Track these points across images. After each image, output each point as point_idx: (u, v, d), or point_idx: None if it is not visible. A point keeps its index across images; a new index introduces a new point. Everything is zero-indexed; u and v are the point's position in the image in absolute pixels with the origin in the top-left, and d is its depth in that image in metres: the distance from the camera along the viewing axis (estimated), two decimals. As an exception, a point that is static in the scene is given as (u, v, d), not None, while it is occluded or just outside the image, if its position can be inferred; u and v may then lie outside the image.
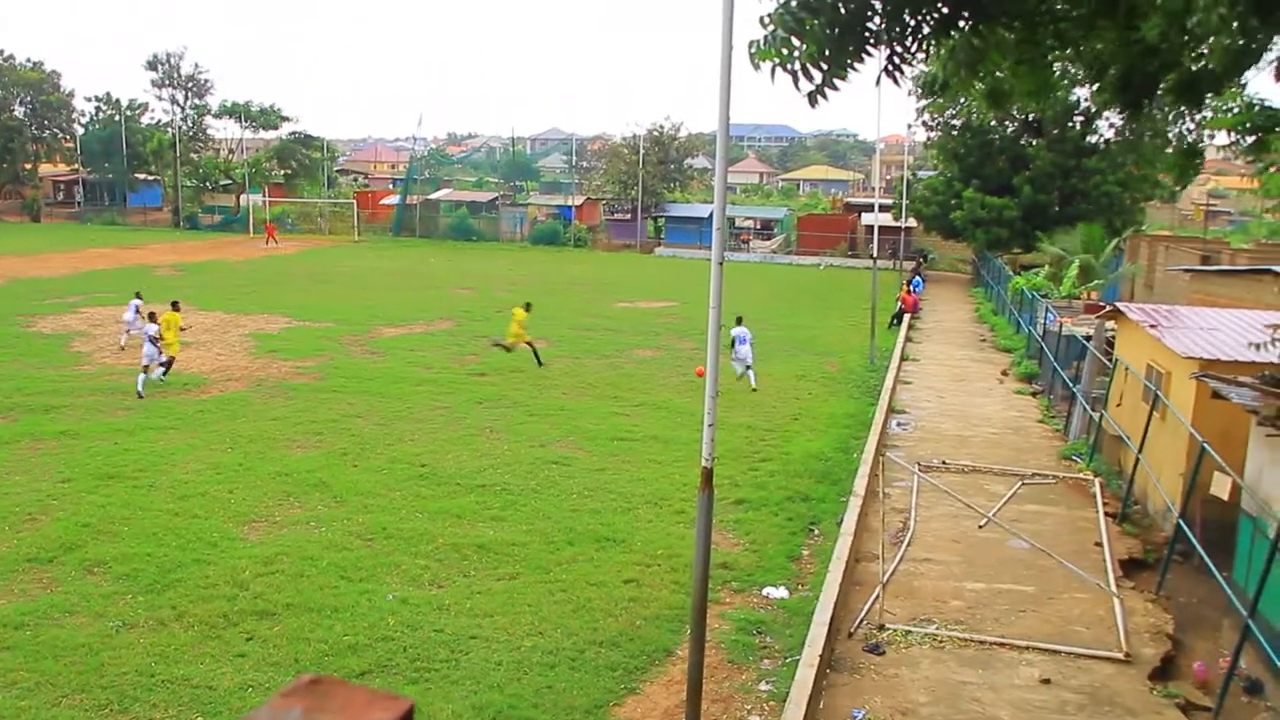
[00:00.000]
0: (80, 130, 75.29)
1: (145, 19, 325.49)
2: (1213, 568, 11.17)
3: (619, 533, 13.48)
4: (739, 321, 22.66)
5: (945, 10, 5.77)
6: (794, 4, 5.53)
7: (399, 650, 10.05)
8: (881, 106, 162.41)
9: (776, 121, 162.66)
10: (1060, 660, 10.57)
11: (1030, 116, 47.00)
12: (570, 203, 68.70)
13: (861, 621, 11.28)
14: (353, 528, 13.33)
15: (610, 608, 11.22)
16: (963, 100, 39.17)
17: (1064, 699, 9.80)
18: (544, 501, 14.68)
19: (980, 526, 14.47)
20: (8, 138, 71.13)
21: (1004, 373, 27.28)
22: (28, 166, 75.05)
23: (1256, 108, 7.52)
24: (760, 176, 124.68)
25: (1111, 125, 46.27)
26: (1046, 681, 10.10)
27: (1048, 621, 11.55)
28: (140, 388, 20.16)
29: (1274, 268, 23.67)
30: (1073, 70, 7.14)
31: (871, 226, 41.00)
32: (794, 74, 5.66)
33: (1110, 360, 19.16)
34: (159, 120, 75.03)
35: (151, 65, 73.07)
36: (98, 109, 74.85)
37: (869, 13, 5.63)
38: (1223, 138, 8.38)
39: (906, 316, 34.90)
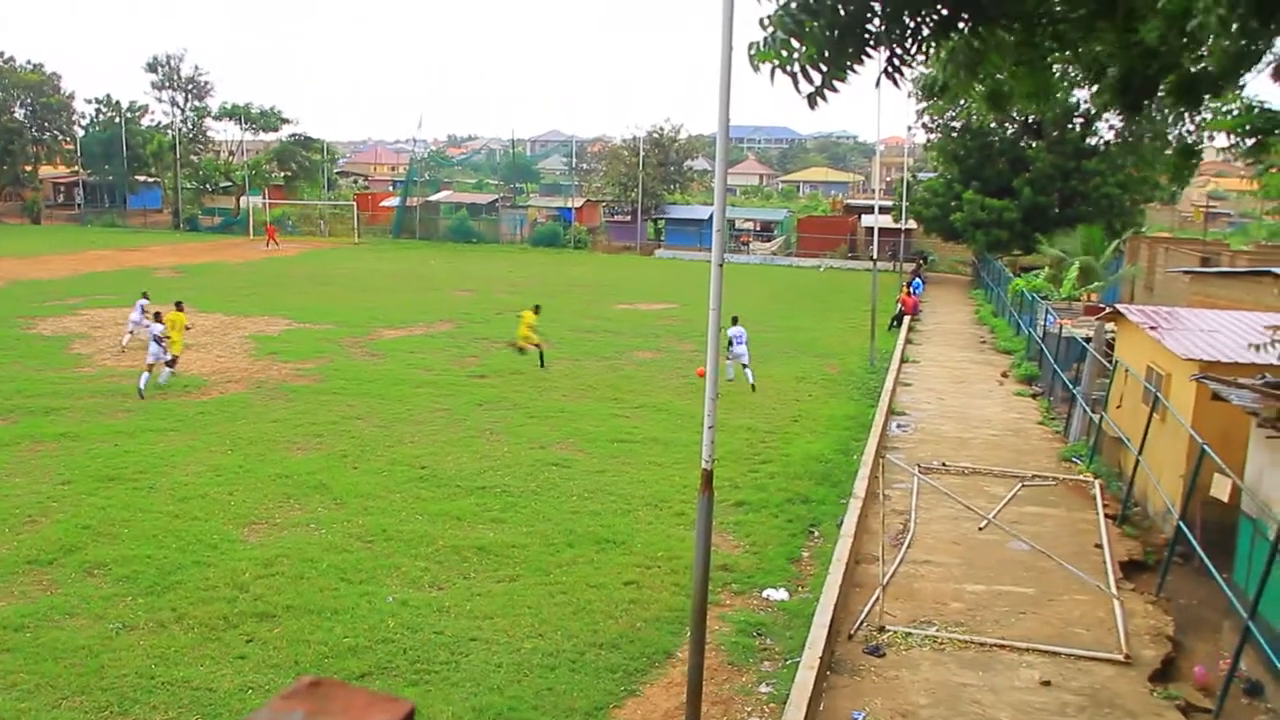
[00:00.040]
0: (80, 132, 75.27)
1: (145, 21, 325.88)
2: (1213, 569, 11.17)
3: (619, 535, 13.48)
4: (734, 321, 22.70)
5: (944, 12, 5.77)
6: (793, 6, 5.53)
7: (399, 652, 10.05)
8: (881, 108, 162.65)
9: (776, 123, 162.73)
10: (1060, 662, 10.56)
11: (1030, 118, 47.04)
12: (570, 205, 68.73)
13: (862, 623, 11.28)
14: (353, 530, 13.33)
15: (610, 610, 11.22)
16: (963, 102, 39.18)
17: (1064, 701, 9.80)
18: (544, 503, 14.68)
19: (980, 528, 14.47)
20: (8, 140, 71.14)
21: (1004, 375, 27.28)
22: (28, 168, 75.05)
23: (1256, 110, 7.52)
24: (760, 178, 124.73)
25: (1111, 127, 46.32)
26: (1047, 683, 10.10)
27: (1048, 623, 11.54)
28: (142, 386, 20.22)
29: (1274, 269, 23.68)
30: (1072, 72, 7.14)
31: (871, 228, 41.02)
32: (794, 76, 5.66)
33: (1110, 362, 19.16)
34: (159, 122, 75.09)
35: (151, 67, 73.11)
36: (98, 111, 74.86)
37: (868, 14, 5.63)
38: (1222, 140, 8.35)
39: (906, 318, 34.90)
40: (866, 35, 5.67)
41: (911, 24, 5.74)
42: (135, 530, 12.96)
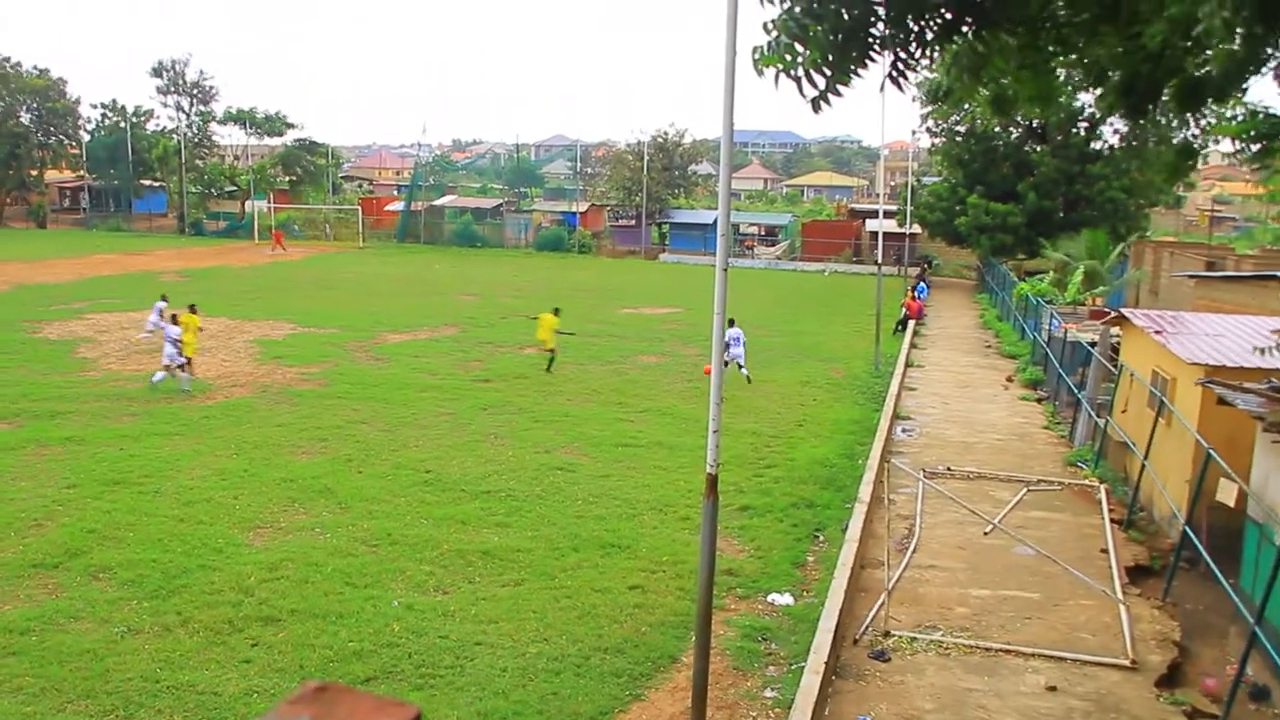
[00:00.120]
0: (86, 137, 75.48)
1: (151, 26, 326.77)
2: (1219, 574, 11.14)
3: (624, 539, 13.48)
4: (731, 323, 22.77)
5: (948, 16, 5.77)
6: (798, 10, 5.54)
7: (404, 656, 10.06)
8: (886, 112, 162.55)
9: (781, 128, 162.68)
10: (1066, 667, 10.54)
11: (1034, 123, 47.02)
12: (575, 209, 68.75)
13: (867, 628, 11.26)
14: (358, 534, 13.34)
15: (615, 614, 11.21)
16: (967, 106, 39.12)
17: (1070, 706, 9.77)
18: (549, 508, 14.68)
19: (985, 533, 14.45)
20: (14, 144, 71.36)
21: (1009, 379, 27.25)
22: (34, 173, 75.25)
23: (1261, 115, 7.51)
24: (765, 183, 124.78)
25: (1116, 131, 46.29)
26: (1052, 689, 10.08)
27: (1053, 628, 11.52)
28: (156, 380, 20.73)
29: (1279, 273, 23.63)
30: (1076, 76, 7.13)
31: (876, 233, 41.00)
32: (798, 80, 5.66)
33: (1115, 366, 19.14)
34: (164, 127, 75.40)
35: (157, 72, 73.41)
36: (103, 116, 75.10)
37: (872, 19, 5.64)
38: (1228, 145, 8.32)
39: (911, 323, 34.87)
40: (870, 39, 5.67)
41: (915, 28, 5.75)
42: (140, 534, 12.98)
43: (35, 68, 74.01)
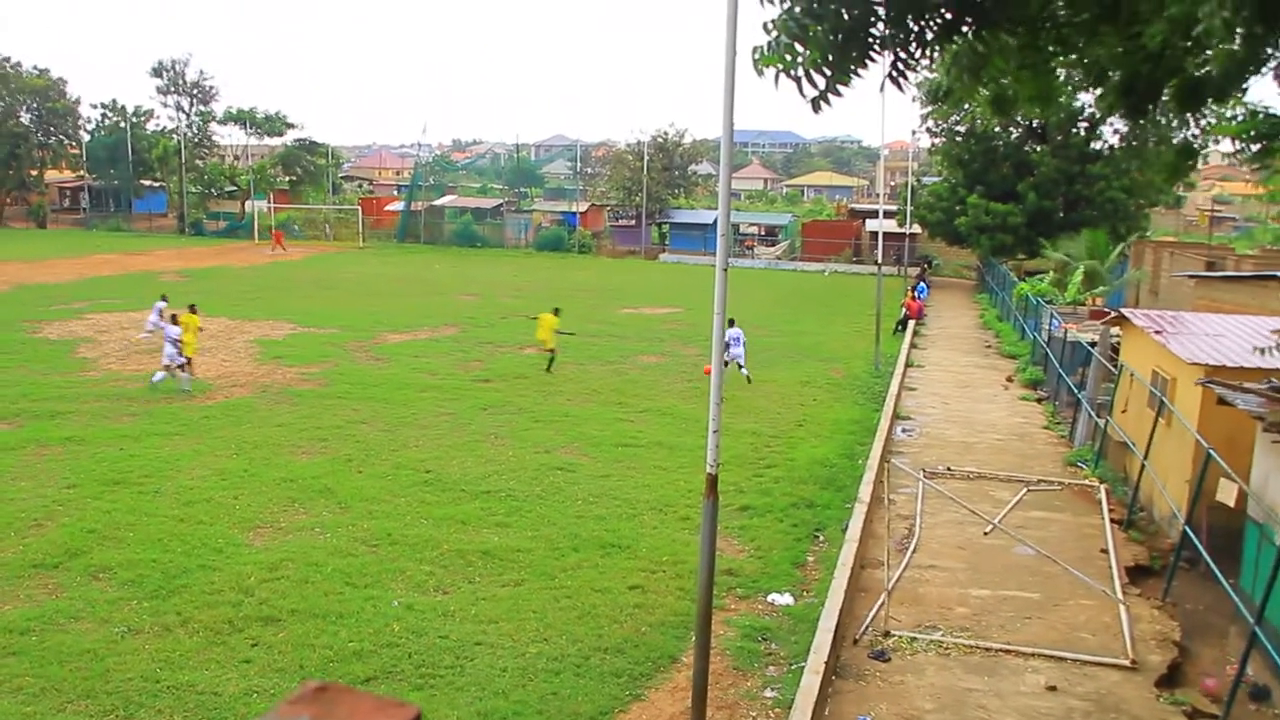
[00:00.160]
0: (86, 137, 75.48)
1: (151, 26, 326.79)
2: (1219, 575, 11.14)
3: (624, 539, 13.48)
4: (731, 323, 22.79)
5: (948, 16, 5.77)
6: (797, 10, 5.54)
7: (404, 656, 10.06)
8: (886, 112, 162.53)
9: (781, 128, 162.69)
10: (1066, 667, 10.54)
11: (1034, 123, 47.02)
12: (575, 209, 68.75)
13: (867, 628, 11.26)
14: (358, 534, 13.34)
15: (615, 614, 11.21)
16: (967, 106, 39.14)
17: (1070, 706, 9.77)
18: (549, 508, 14.68)
19: (985, 533, 14.45)
20: (14, 144, 71.36)
21: (1009, 379, 27.25)
22: (34, 173, 75.26)
23: (1261, 116, 7.51)
24: (765, 182, 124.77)
25: (1116, 131, 46.30)
26: (1052, 688, 10.08)
27: (1053, 628, 11.52)
28: (155, 380, 20.81)
29: (1279, 274, 23.63)
30: (1076, 76, 7.13)
31: (876, 233, 41.00)
32: (798, 80, 5.66)
33: (1115, 366, 19.14)
34: (164, 127, 75.40)
35: (157, 72, 73.41)
36: (103, 116, 75.12)
37: (872, 18, 5.64)
38: (1228, 144, 8.31)
39: (911, 323, 34.88)
40: (870, 39, 5.67)
41: (915, 28, 5.75)
42: (140, 534, 12.98)
43: (35, 68, 74.14)
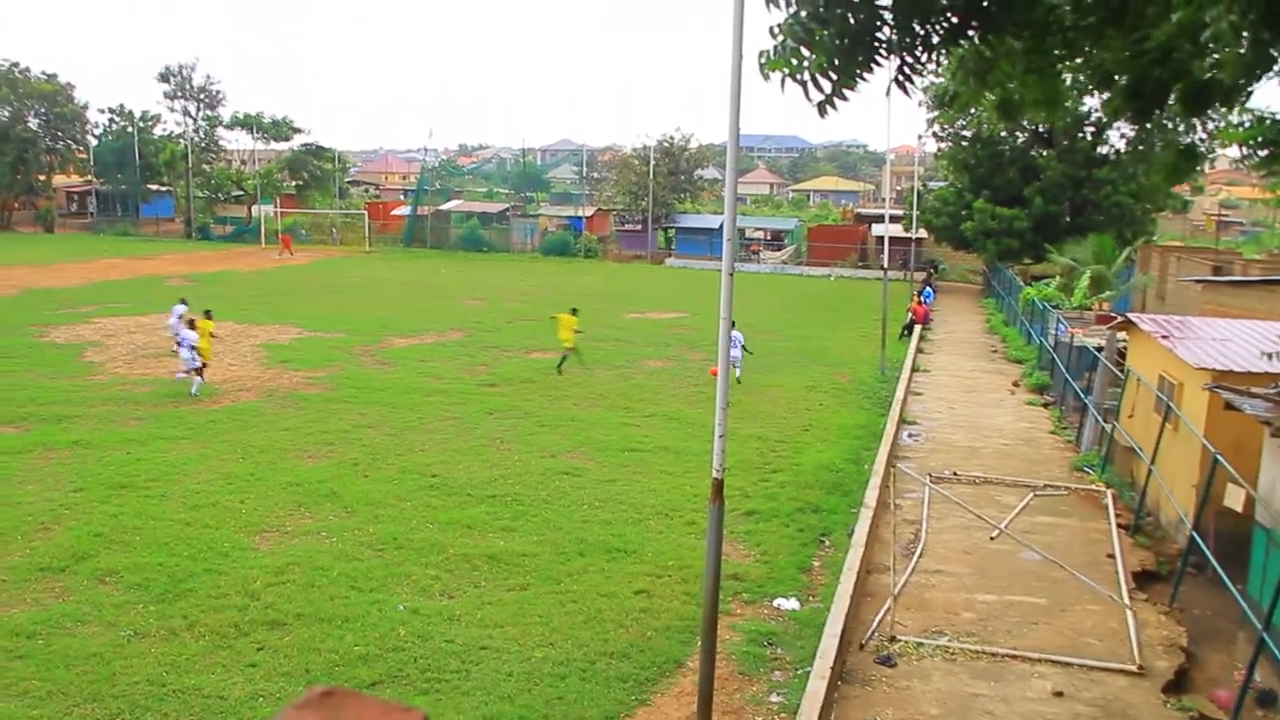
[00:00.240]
0: (94, 142, 75.72)
1: (158, 32, 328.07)
2: (1226, 580, 11.10)
3: (630, 544, 13.47)
4: (733, 326, 22.83)
5: (954, 20, 5.77)
6: (803, 14, 5.54)
7: (410, 661, 10.06)
8: (892, 117, 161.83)
9: (787, 132, 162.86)
10: (1073, 673, 10.50)
11: (1040, 127, 46.99)
12: (581, 214, 68.78)
13: (873, 633, 11.23)
14: (363, 538, 13.35)
15: (621, 619, 11.20)
16: (973, 111, 39.12)
17: (1077, 711, 9.74)
18: (555, 512, 14.68)
19: (992, 538, 14.42)
20: (22, 149, 71.56)
21: (1015, 384, 27.20)
22: (42, 177, 75.46)
23: (1267, 121, 7.49)
24: (770, 187, 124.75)
25: (1123, 136, 46.30)
26: (1059, 694, 10.05)
27: (1060, 634, 11.48)
28: (195, 390, 21.04)
29: (1287, 278, 23.57)
30: (1082, 80, 7.12)
31: (882, 237, 40.95)
32: (804, 84, 5.66)
33: (1122, 371, 19.09)
34: (171, 132, 75.57)
35: (164, 77, 73.55)
36: (111, 120, 75.40)
37: (878, 23, 5.63)
38: (1235, 150, 8.29)
39: (917, 327, 34.83)
40: (876, 43, 5.67)
41: (921, 32, 5.74)
42: (147, 538, 13.01)
43: (43, 73, 74.27)
